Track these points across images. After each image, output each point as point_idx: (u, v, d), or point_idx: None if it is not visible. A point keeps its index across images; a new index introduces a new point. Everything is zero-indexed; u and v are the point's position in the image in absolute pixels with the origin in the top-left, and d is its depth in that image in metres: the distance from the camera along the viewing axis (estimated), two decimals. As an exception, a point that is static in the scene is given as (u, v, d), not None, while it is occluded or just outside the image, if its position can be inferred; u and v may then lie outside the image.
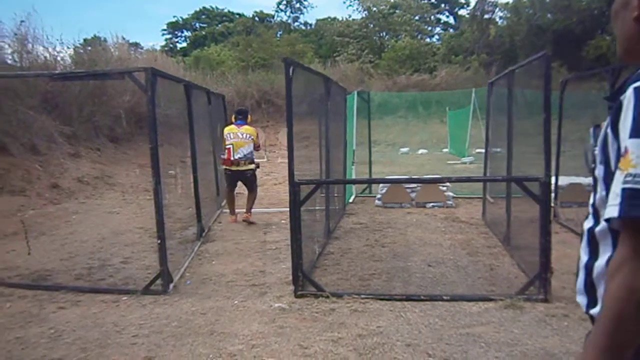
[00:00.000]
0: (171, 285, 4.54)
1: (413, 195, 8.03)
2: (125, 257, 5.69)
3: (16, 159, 9.78)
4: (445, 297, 4.08)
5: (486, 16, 29.65)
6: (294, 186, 4.12)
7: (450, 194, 8.09)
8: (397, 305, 4.00)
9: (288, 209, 7.93)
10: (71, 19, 48.50)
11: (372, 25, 33.29)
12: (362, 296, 4.14)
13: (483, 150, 15.76)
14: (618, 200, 0.92)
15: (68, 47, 14.97)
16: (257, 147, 7.36)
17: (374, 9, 33.43)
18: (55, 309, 4.16)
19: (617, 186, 0.93)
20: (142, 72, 4.32)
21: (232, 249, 5.87)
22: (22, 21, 12.45)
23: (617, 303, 0.91)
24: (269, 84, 23.39)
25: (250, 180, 7.26)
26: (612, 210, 0.92)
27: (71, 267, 5.37)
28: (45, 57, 13.64)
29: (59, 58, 14.33)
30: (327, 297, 4.17)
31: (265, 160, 15.99)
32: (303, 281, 4.28)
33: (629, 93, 0.96)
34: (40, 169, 10.05)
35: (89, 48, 16.73)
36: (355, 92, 8.93)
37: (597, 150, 1.09)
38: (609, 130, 1.03)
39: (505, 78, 5.74)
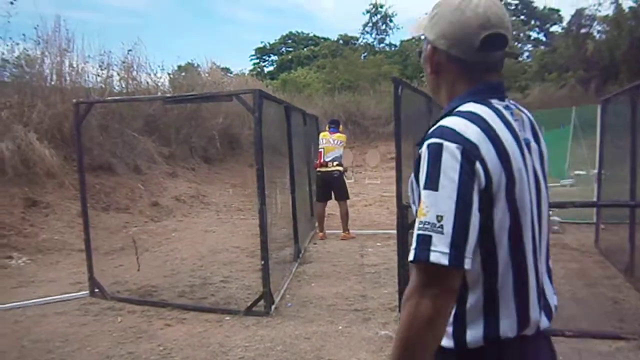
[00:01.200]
0: (273, 307, 4.50)
1: None
2: (225, 276, 5.75)
3: (121, 178, 10.37)
4: (567, 333, 3.71)
5: (583, 30, 28.17)
6: (402, 209, 3.95)
7: (557, 218, 7.56)
8: (514, 339, 3.70)
9: (383, 232, 7.90)
10: (171, 46, 51.59)
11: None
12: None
13: (583, 172, 14.94)
14: (414, 245, 1.05)
15: (168, 73, 15.81)
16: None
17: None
18: (162, 326, 4.24)
19: (415, 232, 1.06)
20: (250, 95, 4.37)
21: (330, 272, 5.78)
22: (129, 50, 13.32)
23: (405, 328, 1.05)
24: (355, 106, 23.47)
25: (337, 183, 7.60)
26: (410, 254, 1.06)
27: (174, 284, 5.50)
28: (147, 83, 14.47)
29: (159, 83, 15.15)
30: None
31: (352, 181, 15.94)
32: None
33: (424, 149, 1.09)
34: (142, 188, 10.58)
35: (183, 74, 17.60)
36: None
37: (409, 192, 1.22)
38: (412, 177, 1.17)
39: (627, 94, 5.27)
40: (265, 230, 4.44)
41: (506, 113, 1.18)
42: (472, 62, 1.20)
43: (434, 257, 1.02)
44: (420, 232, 1.05)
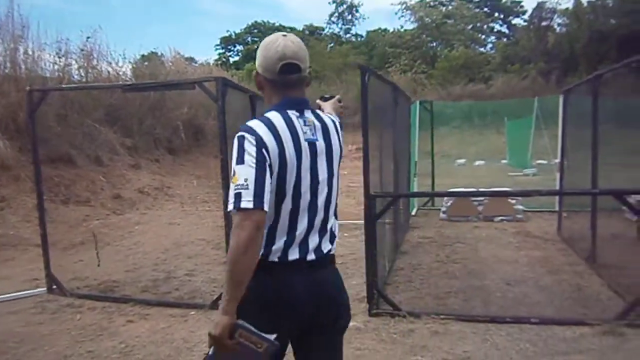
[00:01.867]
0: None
1: (480, 208, 7.68)
2: (190, 269, 5.62)
3: (81, 170, 10.04)
4: (533, 320, 3.76)
5: (544, 23, 28.77)
6: (370, 199, 3.90)
7: (520, 207, 7.69)
8: (481, 328, 3.71)
9: (350, 222, 7.87)
10: (133, 35, 50.27)
11: (424, 36, 32.87)
12: (442, 316, 3.87)
13: (545, 162, 15.28)
14: (232, 200, 1.57)
15: (130, 62, 15.37)
16: None
17: (427, 19, 33.02)
18: (124, 322, 4.10)
19: (231, 192, 1.59)
20: (213, 82, 4.24)
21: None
22: (88, 38, 12.88)
23: (231, 252, 1.55)
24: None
25: None
26: (229, 206, 1.58)
27: (137, 278, 5.34)
28: (108, 72, 14.03)
29: (120, 72, 14.72)
30: (404, 316, 3.92)
31: (319, 171, 15.88)
32: (377, 299, 4.05)
33: (235, 139, 1.66)
34: (103, 180, 10.27)
35: (146, 63, 17.17)
36: (418, 102, 8.67)
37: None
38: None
39: (589, 84, 5.35)
40: (231, 222, 4.32)
41: (296, 120, 1.76)
42: (277, 82, 1.79)
43: (243, 205, 1.57)
44: (235, 191, 1.59)
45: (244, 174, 1.61)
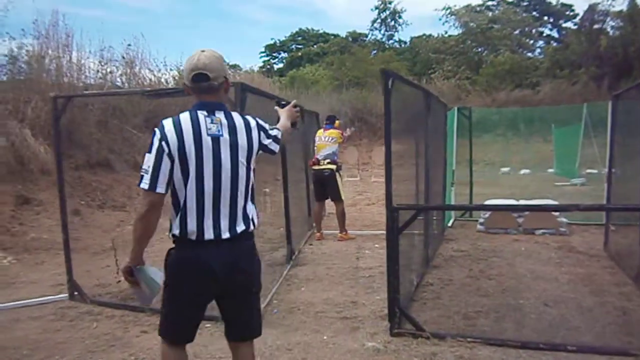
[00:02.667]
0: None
1: (520, 220, 7.28)
2: (213, 278, 5.51)
3: (119, 175, 10.20)
4: (570, 348, 3.43)
5: (596, 26, 27.57)
6: (392, 211, 3.68)
7: (564, 219, 7.24)
8: (511, 354, 3.41)
9: (382, 232, 7.60)
10: (174, 44, 51.37)
11: (469, 41, 32.13)
12: (469, 339, 3.59)
13: (595, 171, 14.54)
14: (139, 179, 2.18)
15: (171, 70, 15.61)
16: (342, 140, 7.67)
17: (472, 24, 32.28)
18: (138, 333, 4.01)
19: (140, 174, 2.19)
20: (231, 88, 4.10)
21: (323, 275, 5.52)
22: (129, 45, 13.15)
23: (135, 220, 2.31)
24: (362, 102, 23.18)
25: (329, 182, 7.31)
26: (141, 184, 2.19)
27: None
28: (150, 79, 14.29)
29: (162, 80, 14.97)
30: (428, 338, 3.67)
31: (358, 179, 15.68)
32: (400, 318, 3.81)
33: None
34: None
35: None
36: (456, 108, 8.34)
37: None
38: None
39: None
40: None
41: (203, 118, 2.22)
42: (192, 88, 2.27)
43: (142, 185, 2.17)
44: (140, 173, 2.17)
45: (147, 161, 2.18)
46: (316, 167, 7.35)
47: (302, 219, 7.50)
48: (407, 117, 4.71)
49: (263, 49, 40.60)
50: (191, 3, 59.18)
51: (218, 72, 2.25)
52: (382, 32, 37.42)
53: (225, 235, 2.24)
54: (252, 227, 2.35)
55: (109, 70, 12.56)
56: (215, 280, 2.25)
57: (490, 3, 35.79)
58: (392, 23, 36.80)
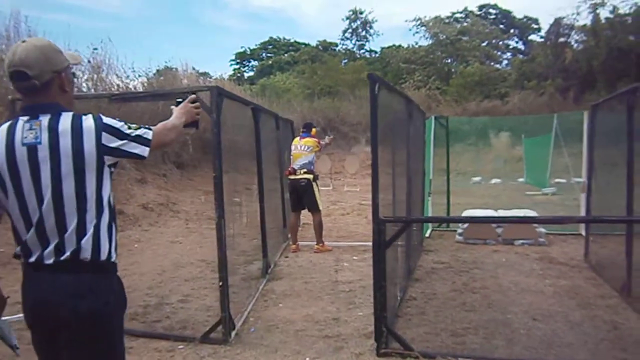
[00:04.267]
0: (233, 333, 3.98)
1: (499, 230, 7.18)
2: (185, 294, 5.21)
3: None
4: (565, 365, 3.27)
5: (561, 39, 28.21)
6: (379, 224, 3.46)
7: (542, 230, 7.17)
8: (505, 373, 3.24)
9: (360, 243, 7.42)
10: (144, 50, 50.63)
11: (439, 52, 32.50)
12: (460, 359, 3.40)
13: (563, 181, 14.72)
14: None
15: (140, 76, 15.19)
16: (318, 149, 7.36)
17: (442, 35, 32.68)
18: None
19: None
20: (207, 92, 3.86)
21: (301, 290, 5.26)
22: (95, 49, 12.71)
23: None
24: (335, 111, 23.11)
25: (306, 191, 7.08)
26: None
27: (130, 301, 4.93)
28: (117, 85, 13.86)
29: (131, 86, 14.54)
30: (417, 357, 3.46)
31: (331, 188, 15.50)
32: (387, 337, 3.60)
33: None
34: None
35: (162, 78, 16.99)
36: (433, 117, 8.24)
37: None
38: None
39: (621, 99, 4.89)
40: (224, 246, 3.92)
41: (22, 125, 1.79)
42: (15, 88, 1.85)
43: None
44: None
45: None
46: (292, 177, 7.10)
47: (278, 230, 7.25)
48: (390, 124, 4.52)
49: (233, 57, 40.36)
50: (161, 8, 58.57)
51: (41, 67, 1.79)
52: (353, 41, 37.62)
53: (49, 260, 1.80)
54: (89, 254, 1.82)
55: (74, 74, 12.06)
56: (40, 313, 1.84)
57: (458, 15, 36.44)
58: (363, 33, 37.04)
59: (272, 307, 4.76)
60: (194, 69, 19.27)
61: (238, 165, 7.41)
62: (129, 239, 8.29)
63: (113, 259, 1.91)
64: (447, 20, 35.14)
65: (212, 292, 5.21)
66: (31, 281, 1.85)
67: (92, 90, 12.85)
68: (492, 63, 33.23)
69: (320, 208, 7.23)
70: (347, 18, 36.74)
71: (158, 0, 58.46)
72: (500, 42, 35.58)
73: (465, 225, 7.37)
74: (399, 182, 5.02)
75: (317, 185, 7.27)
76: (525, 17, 37.36)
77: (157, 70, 18.06)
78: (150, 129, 1.98)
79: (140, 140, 1.92)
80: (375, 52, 37.17)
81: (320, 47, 38.35)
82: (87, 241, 1.81)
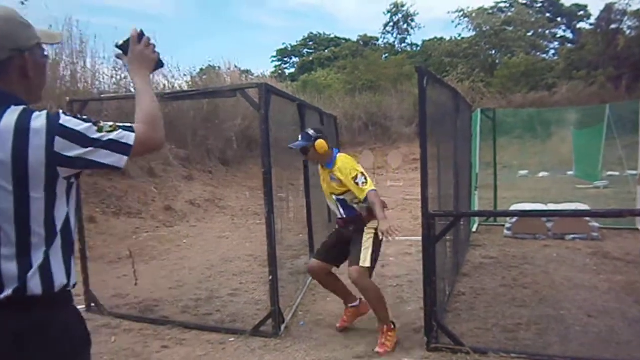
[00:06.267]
0: (283, 327, 4.04)
1: (549, 225, 7.00)
2: (234, 288, 5.32)
3: (134, 182, 10.05)
4: (624, 364, 3.18)
5: (613, 26, 27.14)
6: (428, 218, 3.44)
7: (596, 224, 6.95)
8: (560, 371, 3.17)
9: (405, 238, 7.37)
10: (188, 49, 51.70)
11: (482, 43, 31.82)
12: (512, 355, 3.35)
13: (616, 173, 14.17)
14: None
15: (184, 75, 15.52)
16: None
17: (485, 26, 31.97)
18: (159, 348, 3.81)
19: None
20: (255, 89, 3.92)
21: (348, 284, 5.27)
22: (141, 50, 13.04)
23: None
24: (376, 106, 22.97)
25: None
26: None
27: (178, 297, 5.08)
28: (164, 85, 14.20)
29: (176, 85, 14.88)
30: (468, 353, 3.43)
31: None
32: (437, 331, 3.57)
33: None
34: (155, 192, 10.24)
35: (205, 77, 17.29)
36: (479, 110, 8.09)
37: None
38: None
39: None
40: (274, 241, 3.98)
41: None
42: None
43: None
44: None
45: None
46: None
47: (323, 225, 7.27)
48: (437, 118, 4.47)
49: (274, 54, 40.61)
50: (202, 9, 59.53)
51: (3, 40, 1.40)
52: (395, 35, 37.26)
53: None
54: (39, 289, 1.39)
55: (122, 76, 12.45)
56: None
57: (502, 5, 35.50)
58: (405, 26, 36.63)
59: (320, 302, 4.80)
60: (236, 66, 19.54)
61: (282, 161, 7.52)
62: (178, 235, 8.51)
63: (70, 287, 1.50)
64: (490, 11, 34.32)
65: (260, 286, 5.31)
66: None
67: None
68: (538, 53, 32.29)
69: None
70: (388, 12, 36.48)
71: (200, 2, 59.42)
72: (547, 31, 34.52)
73: (514, 219, 7.21)
74: (446, 177, 4.97)
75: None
76: (574, 4, 36.05)
77: (201, 69, 18.41)
78: (132, 131, 1.48)
79: (114, 146, 1.44)
80: (417, 46, 36.74)
81: (361, 41, 38.20)
82: (34, 274, 1.39)
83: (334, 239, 4.19)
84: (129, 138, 1.46)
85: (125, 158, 1.46)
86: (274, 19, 62.90)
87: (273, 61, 40.68)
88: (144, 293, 5.14)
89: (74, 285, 1.52)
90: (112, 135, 1.44)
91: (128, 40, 1.62)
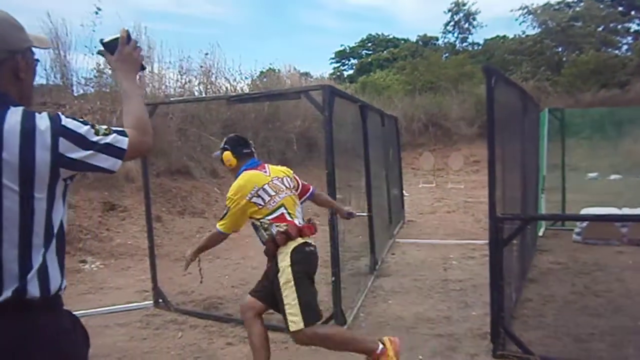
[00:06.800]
0: (345, 328, 4.03)
1: (624, 230, 6.64)
2: (295, 288, 5.35)
3: (198, 182, 10.36)
4: None
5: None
6: (496, 222, 3.34)
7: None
8: (639, 385, 3.00)
9: (467, 242, 7.22)
10: (249, 53, 52.81)
11: (548, 40, 30.62)
12: (586, 366, 3.20)
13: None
14: None
15: (246, 78, 15.85)
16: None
17: (551, 22, 30.76)
18: (223, 345, 3.90)
19: None
20: (319, 91, 3.95)
21: (410, 287, 5.22)
22: (206, 54, 13.45)
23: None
24: (437, 107, 22.60)
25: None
26: None
27: (242, 295, 5.14)
28: (226, 88, 14.55)
29: (238, 88, 15.21)
30: (537, 361, 3.30)
31: (434, 185, 15.21)
32: (504, 338, 3.46)
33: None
34: (218, 192, 10.50)
35: (265, 79, 17.59)
36: (547, 109, 7.79)
37: None
38: None
39: None
40: (337, 242, 4.00)
41: None
42: None
43: None
44: None
45: None
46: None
47: (384, 227, 7.24)
48: (504, 118, 4.34)
49: (333, 56, 40.72)
50: (262, 13, 60.63)
51: None
52: (455, 35, 36.51)
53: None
54: (37, 292, 1.40)
55: (187, 80, 12.88)
56: None
57: (570, 0, 34.04)
58: (466, 25, 35.81)
59: (382, 304, 4.77)
60: (295, 69, 19.75)
61: (341, 162, 7.53)
62: (240, 234, 8.59)
63: (62, 291, 1.50)
64: (557, 7, 32.97)
65: (321, 286, 5.27)
66: None
67: (204, 93, 13.60)
68: (609, 49, 30.72)
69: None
70: (449, 10, 35.73)
71: (259, 6, 60.57)
72: (620, 26, 32.79)
73: (584, 223, 6.89)
74: (513, 179, 4.81)
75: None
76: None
77: (261, 72, 18.74)
78: (125, 135, 1.51)
79: (110, 150, 1.47)
80: (478, 45, 35.81)
81: (420, 42, 37.70)
82: (32, 276, 1.40)
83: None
84: (123, 142, 1.49)
85: (120, 162, 1.49)
86: (332, 20, 63.15)
87: (331, 63, 40.86)
88: (208, 290, 5.27)
89: (64, 289, 1.51)
90: (109, 139, 1.47)
91: (116, 39, 1.62)
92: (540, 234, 7.50)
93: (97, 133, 1.46)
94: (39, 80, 10.65)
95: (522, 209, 4.97)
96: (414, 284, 5.29)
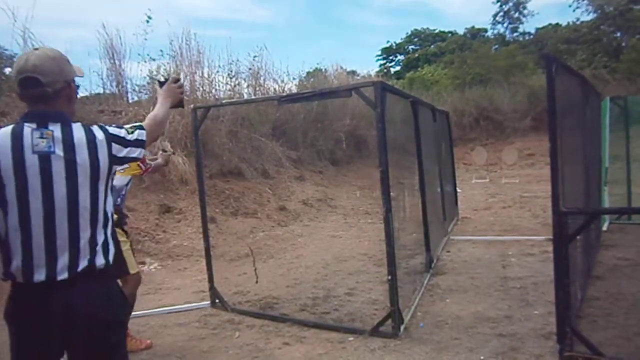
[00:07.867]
0: (402, 327, 3.97)
1: (697, 223, 6.24)
2: (350, 287, 5.33)
3: (250, 183, 10.48)
4: None
5: None
6: (560, 217, 3.19)
7: None
8: None
9: (526, 238, 6.97)
10: (296, 54, 53.14)
11: (605, 26, 29.27)
12: (663, 368, 3.01)
13: None
14: None
15: (294, 79, 15.92)
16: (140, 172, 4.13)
17: (608, 7, 29.36)
18: (280, 345, 3.90)
19: None
20: (371, 87, 3.89)
21: (468, 285, 5.09)
22: (254, 57, 13.61)
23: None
24: (488, 100, 22.02)
25: None
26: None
27: (296, 295, 5.19)
28: (274, 89, 14.67)
29: (286, 89, 15.31)
30: (608, 363, 3.13)
31: (487, 180, 14.84)
32: (571, 339, 3.31)
33: None
34: (270, 192, 10.60)
35: (312, 79, 17.62)
36: (608, 98, 7.43)
37: None
38: None
39: None
40: (392, 240, 3.93)
41: (29, 132, 1.78)
42: (21, 96, 1.86)
43: None
44: None
45: None
46: None
47: (438, 223, 7.09)
48: (565, 108, 4.15)
49: (379, 53, 40.40)
50: (308, 14, 60.92)
51: (54, 75, 1.83)
52: (505, 25, 35.45)
53: (62, 275, 1.79)
54: (103, 261, 1.87)
55: (237, 82, 13.07)
56: (50, 335, 1.79)
57: (629, -18, 32.42)
58: (516, 15, 34.71)
59: (439, 303, 4.66)
60: (341, 67, 19.68)
61: (394, 159, 7.43)
62: (292, 234, 8.74)
63: (111, 263, 1.94)
64: (614, -10, 31.49)
65: (376, 285, 5.28)
66: (44, 301, 1.79)
67: (252, 95, 13.76)
68: (673, 32, 29.10)
69: (132, 271, 3.98)
70: (498, 1, 34.76)
71: (305, 7, 60.87)
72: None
73: (653, 217, 6.52)
74: (576, 172, 4.60)
75: (126, 232, 4.07)
76: None
77: (308, 72, 18.79)
78: (142, 128, 2.03)
79: (137, 143, 1.99)
80: (530, 34, 34.63)
81: (468, 34, 36.86)
82: (99, 250, 1.87)
83: None
84: (143, 135, 2.02)
85: (143, 150, 2.03)
86: (378, 18, 62.67)
87: (378, 60, 40.53)
88: (263, 290, 5.32)
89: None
90: (136, 135, 2.00)
91: (167, 79, 2.28)
92: (604, 228, 7.15)
93: (128, 132, 1.99)
94: (96, 89, 11.10)
95: (585, 203, 4.75)
96: (471, 282, 5.15)
